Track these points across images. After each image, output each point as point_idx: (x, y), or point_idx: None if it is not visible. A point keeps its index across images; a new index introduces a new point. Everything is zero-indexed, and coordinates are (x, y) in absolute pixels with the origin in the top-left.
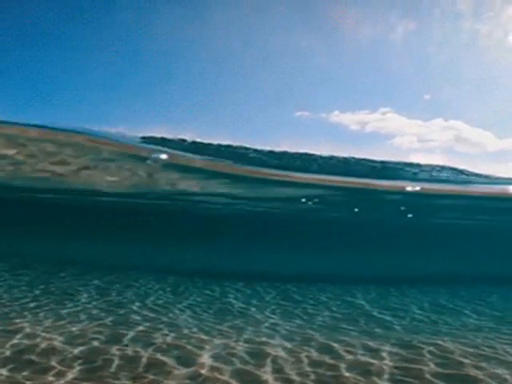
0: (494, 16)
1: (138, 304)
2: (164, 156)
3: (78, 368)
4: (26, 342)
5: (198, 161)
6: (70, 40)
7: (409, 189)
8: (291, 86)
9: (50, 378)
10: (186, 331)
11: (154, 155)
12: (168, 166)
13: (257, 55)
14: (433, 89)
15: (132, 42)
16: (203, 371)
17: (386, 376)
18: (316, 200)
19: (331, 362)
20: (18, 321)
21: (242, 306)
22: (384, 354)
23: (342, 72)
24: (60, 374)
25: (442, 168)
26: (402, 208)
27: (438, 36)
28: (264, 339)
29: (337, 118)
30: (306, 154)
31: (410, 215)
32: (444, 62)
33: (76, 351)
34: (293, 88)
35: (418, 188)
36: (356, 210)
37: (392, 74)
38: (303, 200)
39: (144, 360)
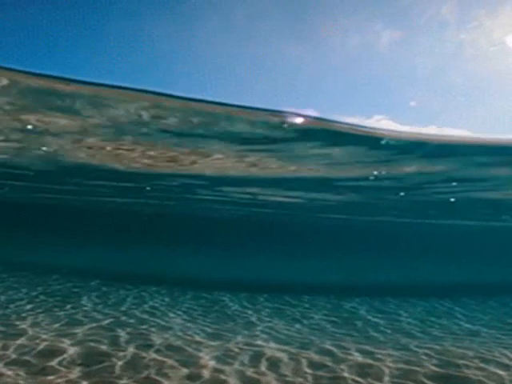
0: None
1: None
2: (299, 120)
3: None
4: None
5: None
6: None
7: None
8: (286, 94)
9: None
10: None
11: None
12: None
13: (251, 64)
14: (427, 96)
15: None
16: None
17: None
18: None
19: None
20: None
21: None
22: None
23: (336, 80)
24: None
25: None
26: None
27: (427, 44)
28: None
29: None
30: None
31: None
32: (438, 70)
33: None
34: (287, 97)
35: None
36: (402, 194)
37: (388, 81)
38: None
39: None
